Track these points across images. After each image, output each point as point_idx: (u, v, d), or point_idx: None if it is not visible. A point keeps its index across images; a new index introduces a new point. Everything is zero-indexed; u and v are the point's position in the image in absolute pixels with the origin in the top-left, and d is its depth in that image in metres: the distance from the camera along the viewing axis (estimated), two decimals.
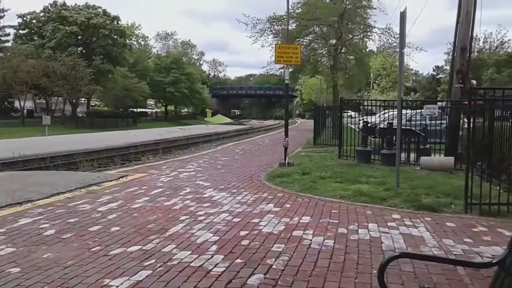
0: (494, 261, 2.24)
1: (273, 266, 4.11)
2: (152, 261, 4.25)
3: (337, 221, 5.84)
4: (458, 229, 5.58)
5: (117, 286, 3.63)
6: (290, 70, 17.48)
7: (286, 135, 12.23)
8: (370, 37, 27.17)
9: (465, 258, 4.39)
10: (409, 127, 12.70)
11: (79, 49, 46.93)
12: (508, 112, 7.56)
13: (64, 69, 39.27)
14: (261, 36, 25.42)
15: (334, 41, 25.22)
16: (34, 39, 47.42)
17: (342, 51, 26.30)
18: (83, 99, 51.80)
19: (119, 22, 51.23)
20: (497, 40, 73.54)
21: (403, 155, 11.31)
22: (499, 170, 7.53)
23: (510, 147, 7.12)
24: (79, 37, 47.40)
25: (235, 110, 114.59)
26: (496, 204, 6.49)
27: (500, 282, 2.10)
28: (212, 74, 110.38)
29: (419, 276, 3.84)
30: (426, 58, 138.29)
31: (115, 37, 49.02)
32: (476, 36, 71.24)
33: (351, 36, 25.58)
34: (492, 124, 7.57)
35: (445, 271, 3.96)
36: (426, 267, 4.05)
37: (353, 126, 15.24)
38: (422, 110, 12.02)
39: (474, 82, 11.45)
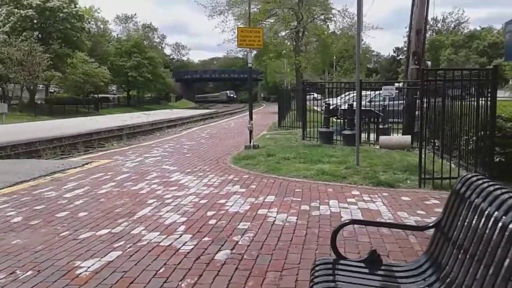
0: (431, 224, 2.54)
1: (239, 242, 4.32)
2: (122, 242, 4.38)
3: (300, 199, 6.11)
4: (413, 202, 5.96)
5: (89, 267, 3.75)
6: (254, 53, 17.58)
7: (251, 118, 12.41)
8: (333, 19, 27.53)
9: None
10: (369, 108, 13.13)
11: (35, 33, 45.16)
12: (459, 92, 7.97)
13: (20, 54, 37.76)
14: (222, 22, 25.45)
15: (295, 24, 25.42)
16: None
17: (305, 33, 26.54)
18: (41, 85, 50.09)
19: (77, 5, 49.52)
20: (455, 20, 75.69)
21: (363, 135, 11.74)
22: (451, 147, 7.99)
23: (461, 125, 7.57)
24: (35, 21, 45.57)
25: (227, 92, 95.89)
26: (447, 178, 6.92)
27: (437, 240, 2.39)
28: (175, 58, 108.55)
29: (374, 245, 4.14)
30: (387, 40, 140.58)
31: (73, 20, 47.39)
32: (435, 17, 73.26)
33: (312, 18, 25.81)
34: (444, 104, 7.98)
35: (398, 240, 4.29)
36: (381, 238, 4.37)
37: (316, 108, 15.60)
38: (381, 91, 12.45)
39: (428, 63, 11.95)
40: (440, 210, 5.56)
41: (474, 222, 1.96)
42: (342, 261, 2.36)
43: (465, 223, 2.04)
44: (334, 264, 2.30)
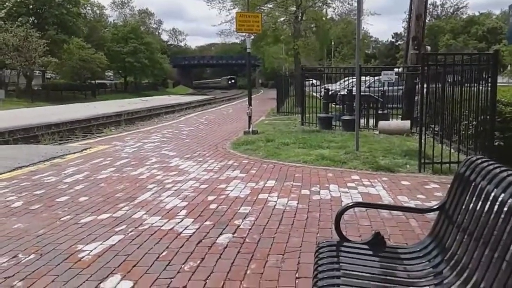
0: (435, 207, 2.55)
1: (241, 226, 4.34)
2: (123, 226, 4.39)
3: (300, 184, 6.12)
4: (412, 186, 5.98)
5: (91, 251, 3.76)
6: (252, 38, 17.47)
7: (250, 104, 12.38)
8: (331, 4, 27.29)
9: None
10: (368, 93, 13.10)
11: (31, 19, 44.75)
12: (459, 77, 7.94)
13: (16, 40, 37.45)
14: (219, 3, 25.32)
15: (294, 9, 25.20)
16: None
17: (303, 18, 26.32)
18: (37, 71, 49.80)
19: None
20: (454, 5, 75.37)
21: (362, 120, 11.73)
22: (451, 131, 7.98)
23: (461, 110, 7.56)
24: (31, 7, 45.12)
25: (226, 77, 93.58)
26: (447, 163, 6.93)
27: (441, 223, 2.40)
28: (173, 44, 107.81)
29: (374, 229, 4.15)
30: (386, 25, 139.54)
31: (69, 6, 46.92)
32: (434, 2, 72.83)
33: (310, 3, 25.60)
34: (444, 89, 7.95)
35: (399, 224, 4.31)
36: (382, 221, 4.39)
37: (315, 94, 15.55)
38: (380, 77, 12.40)
39: (428, 48, 11.88)
40: (440, 194, 5.59)
41: (479, 204, 1.96)
42: (346, 243, 2.37)
43: (470, 206, 2.04)
44: (338, 246, 2.31)
